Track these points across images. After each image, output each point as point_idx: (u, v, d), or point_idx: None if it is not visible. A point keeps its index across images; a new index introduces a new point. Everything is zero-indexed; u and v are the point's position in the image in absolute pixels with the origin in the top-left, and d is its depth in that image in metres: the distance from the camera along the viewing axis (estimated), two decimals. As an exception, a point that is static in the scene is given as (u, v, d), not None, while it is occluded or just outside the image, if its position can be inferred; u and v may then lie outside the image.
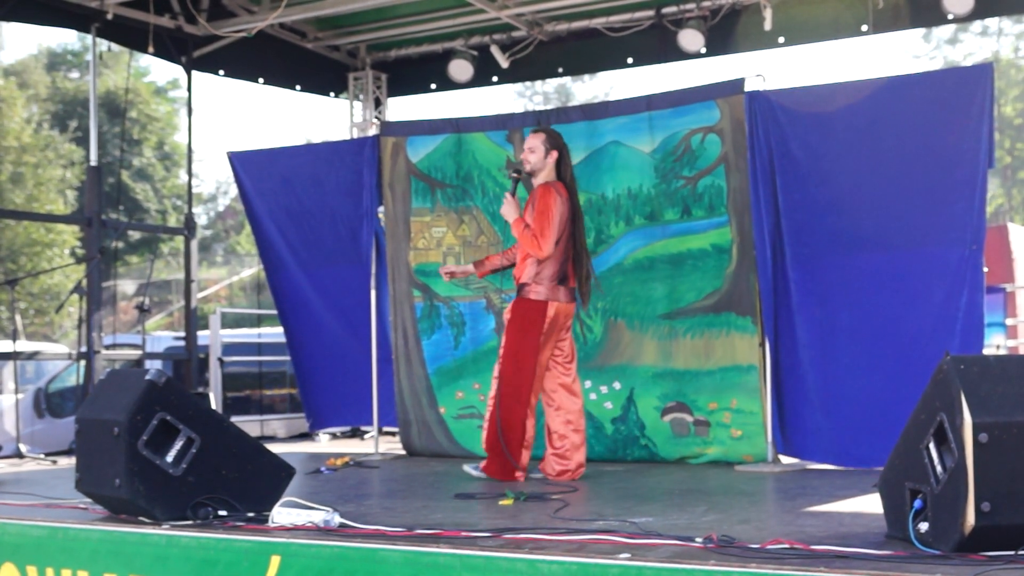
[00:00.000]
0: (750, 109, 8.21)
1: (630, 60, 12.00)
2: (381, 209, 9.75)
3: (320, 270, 10.07)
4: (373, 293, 9.67)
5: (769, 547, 4.52)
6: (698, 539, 4.73)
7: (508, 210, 7.61)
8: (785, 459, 8.25)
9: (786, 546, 4.52)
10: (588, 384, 8.90)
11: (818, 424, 8.03)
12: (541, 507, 6.14)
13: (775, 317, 8.12)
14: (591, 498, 6.63)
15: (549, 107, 22.16)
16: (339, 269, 9.94)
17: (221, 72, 12.21)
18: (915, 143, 7.71)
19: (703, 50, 11.19)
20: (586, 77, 43.78)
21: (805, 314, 8.07)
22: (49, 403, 14.58)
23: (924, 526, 4.45)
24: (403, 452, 9.67)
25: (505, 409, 7.50)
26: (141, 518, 5.67)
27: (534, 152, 7.64)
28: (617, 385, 8.86)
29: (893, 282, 7.74)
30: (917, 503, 4.49)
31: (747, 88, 8.31)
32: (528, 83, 42.04)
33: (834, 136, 7.96)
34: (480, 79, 12.39)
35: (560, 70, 12.79)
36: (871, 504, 5.55)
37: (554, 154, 7.64)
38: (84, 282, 10.07)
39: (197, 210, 43.10)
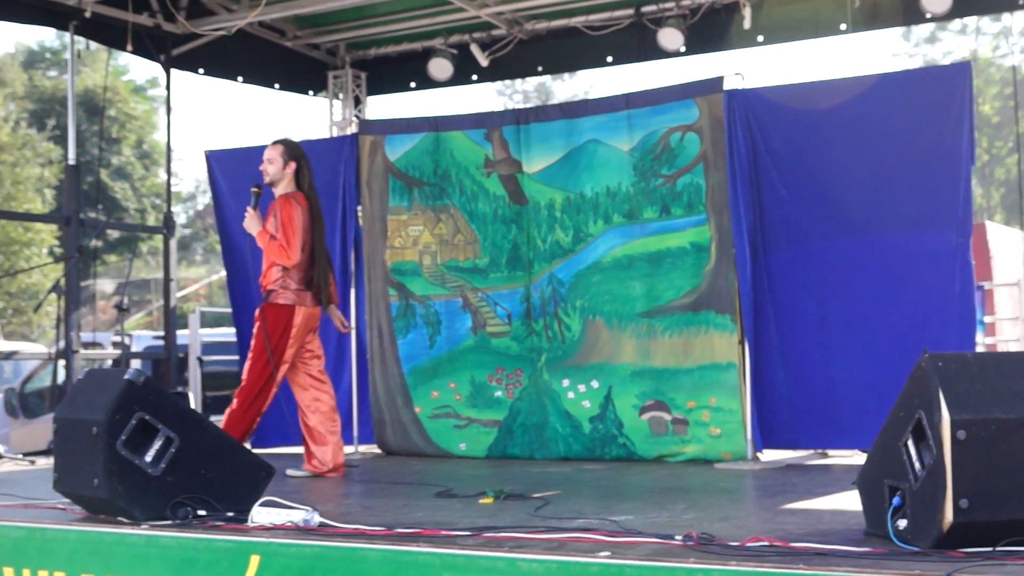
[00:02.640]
0: (729, 107, 8.23)
1: (609, 59, 12.00)
2: (359, 208, 9.73)
3: None
4: (353, 292, 9.65)
5: (749, 545, 4.53)
6: (678, 537, 4.74)
7: (250, 223, 7.83)
8: (765, 457, 8.27)
9: (766, 544, 4.54)
10: (566, 383, 8.90)
11: (808, 410, 8.07)
12: (521, 505, 6.13)
13: (755, 315, 8.14)
14: (571, 497, 6.62)
15: (528, 105, 22.19)
16: None
17: (200, 70, 12.16)
18: (898, 140, 7.81)
19: (682, 49, 11.19)
20: (566, 76, 43.84)
21: (793, 307, 8.10)
22: (24, 403, 14.50)
23: (903, 523, 4.46)
24: (384, 452, 9.66)
25: (241, 405, 7.73)
26: (120, 518, 5.65)
27: (272, 163, 7.90)
28: (595, 384, 8.86)
29: (884, 269, 7.84)
30: (896, 500, 4.51)
31: (726, 87, 8.34)
32: (508, 82, 42.10)
33: (818, 132, 8.03)
34: (460, 78, 12.37)
35: (540, 68, 12.75)
36: (850, 501, 5.55)
37: (292, 165, 7.89)
38: (62, 281, 10.02)
39: (176, 209, 43.03)
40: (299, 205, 7.75)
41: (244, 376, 7.88)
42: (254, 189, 7.92)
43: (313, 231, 7.86)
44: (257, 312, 7.84)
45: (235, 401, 7.80)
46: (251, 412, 7.76)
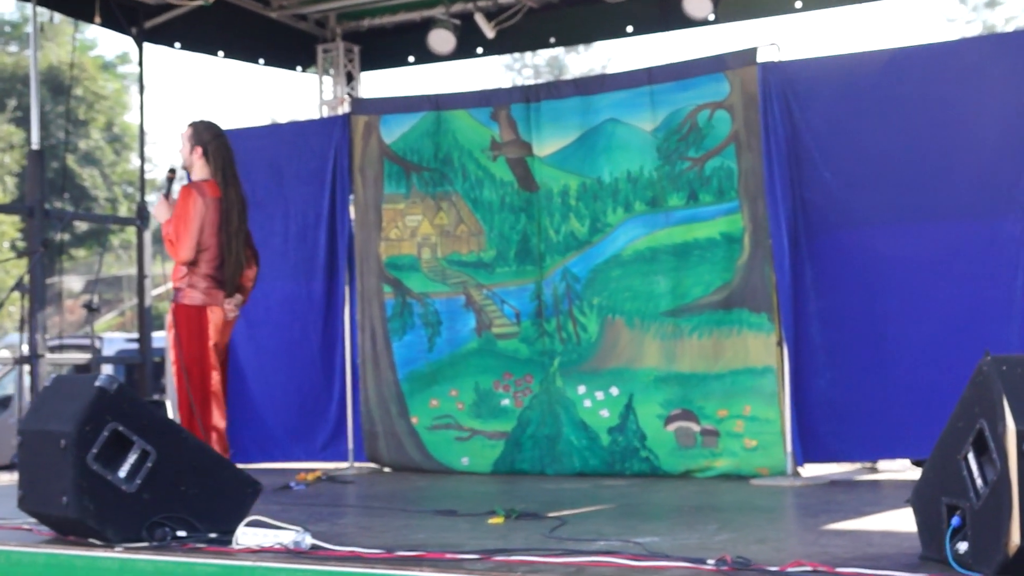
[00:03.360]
0: (764, 82, 8.21)
1: (630, 28, 11.97)
2: (351, 196, 9.71)
3: (264, 287, 9.93)
4: (347, 290, 9.64)
5: (789, 570, 4.51)
6: (710, 561, 4.71)
7: (159, 211, 7.74)
8: (806, 472, 8.24)
9: (808, 569, 4.52)
10: (582, 390, 8.89)
11: (856, 418, 8.04)
12: (535, 525, 6.12)
13: (795, 313, 8.10)
14: (589, 516, 6.61)
15: (539, 81, 22.08)
16: (283, 285, 9.88)
17: (177, 44, 12.17)
18: (954, 117, 7.78)
19: (711, 17, 11.15)
20: (581, 48, 43.75)
21: (840, 303, 8.08)
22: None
23: (963, 546, 4.43)
24: (379, 467, 9.64)
25: (207, 417, 7.56)
26: (91, 540, 5.63)
27: (182, 149, 7.86)
28: (614, 391, 8.84)
29: (940, 259, 7.82)
30: (955, 520, 4.48)
31: (760, 59, 8.32)
32: (516, 55, 42.02)
33: (863, 109, 8.01)
34: (463, 51, 12.34)
35: (552, 40, 12.73)
36: (903, 521, 5.53)
37: (197, 150, 7.80)
38: (26, 278, 10.02)
39: (151, 198, 43.05)
40: (201, 196, 7.64)
41: (183, 390, 7.72)
42: (168, 174, 7.87)
43: (224, 224, 7.74)
44: (169, 317, 7.73)
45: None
46: (205, 433, 7.57)
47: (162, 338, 12.66)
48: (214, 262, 7.65)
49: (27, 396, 12.95)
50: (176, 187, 7.82)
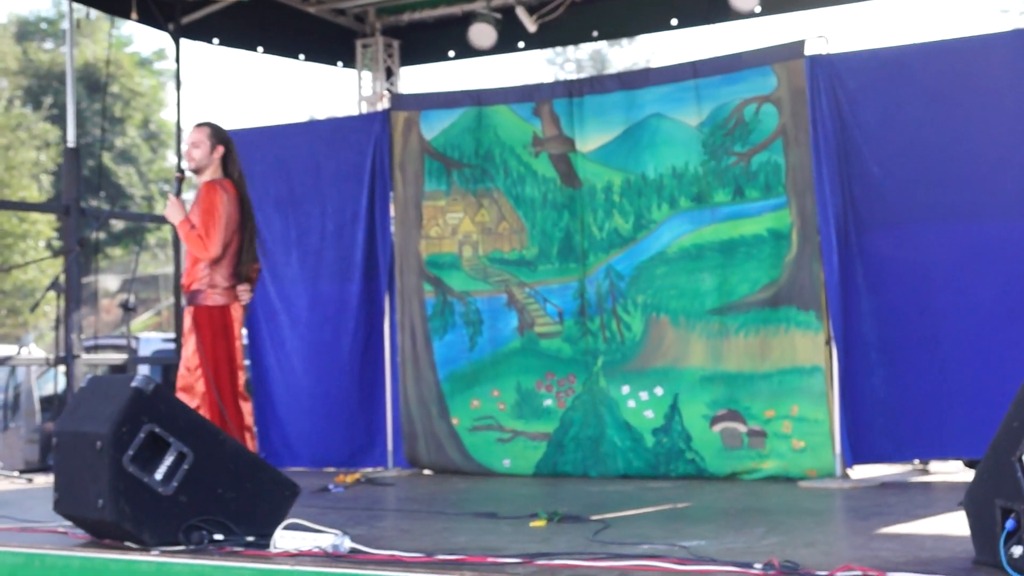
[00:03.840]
0: (812, 75, 8.19)
1: (674, 21, 11.94)
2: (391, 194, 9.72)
3: (296, 288, 9.96)
4: (385, 289, 9.65)
5: (838, 574, 4.48)
6: (757, 565, 4.69)
7: (173, 212, 7.75)
8: (856, 473, 8.20)
9: (858, 573, 4.49)
10: (626, 390, 8.87)
11: (908, 417, 8.00)
12: (578, 529, 6.11)
13: (844, 310, 8.06)
14: (634, 519, 6.60)
15: (582, 76, 22.03)
16: (317, 285, 9.92)
17: (215, 40, 12.20)
18: (1011, 111, 7.70)
19: (757, 9, 11.12)
20: (624, 42, 43.66)
21: (893, 300, 8.03)
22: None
23: (1018, 550, 4.39)
24: (419, 469, 9.64)
25: (239, 418, 7.60)
26: (127, 543, 5.65)
27: (198, 147, 7.83)
28: (659, 391, 8.82)
29: (997, 258, 7.76)
30: (1009, 523, 4.44)
31: (808, 51, 8.29)
32: (559, 49, 41.94)
33: (914, 103, 7.97)
34: (504, 45, 12.34)
35: (595, 34, 12.71)
36: (956, 524, 5.51)
37: (220, 149, 7.82)
38: (62, 278, 10.07)
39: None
40: (226, 192, 7.70)
41: (209, 394, 7.69)
42: (178, 175, 7.93)
43: (246, 221, 7.80)
44: (189, 322, 7.65)
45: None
46: (239, 434, 7.62)
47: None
48: (234, 259, 7.70)
49: (37, 398, 13.08)
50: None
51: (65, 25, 11.63)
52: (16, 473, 9.89)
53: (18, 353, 12.27)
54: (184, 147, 7.92)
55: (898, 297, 8.08)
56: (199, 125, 7.93)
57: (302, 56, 13.02)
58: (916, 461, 8.61)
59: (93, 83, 32.29)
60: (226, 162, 7.83)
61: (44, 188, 31.74)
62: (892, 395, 8.09)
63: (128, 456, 5.60)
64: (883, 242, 8.09)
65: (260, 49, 12.62)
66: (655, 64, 35.40)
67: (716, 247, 8.66)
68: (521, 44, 12.48)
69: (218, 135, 7.84)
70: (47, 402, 14.26)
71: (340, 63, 13.35)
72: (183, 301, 7.80)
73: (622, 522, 6.40)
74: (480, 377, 9.45)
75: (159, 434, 5.69)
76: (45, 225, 28.71)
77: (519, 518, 6.56)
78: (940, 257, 7.94)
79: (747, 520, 6.40)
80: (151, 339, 16.33)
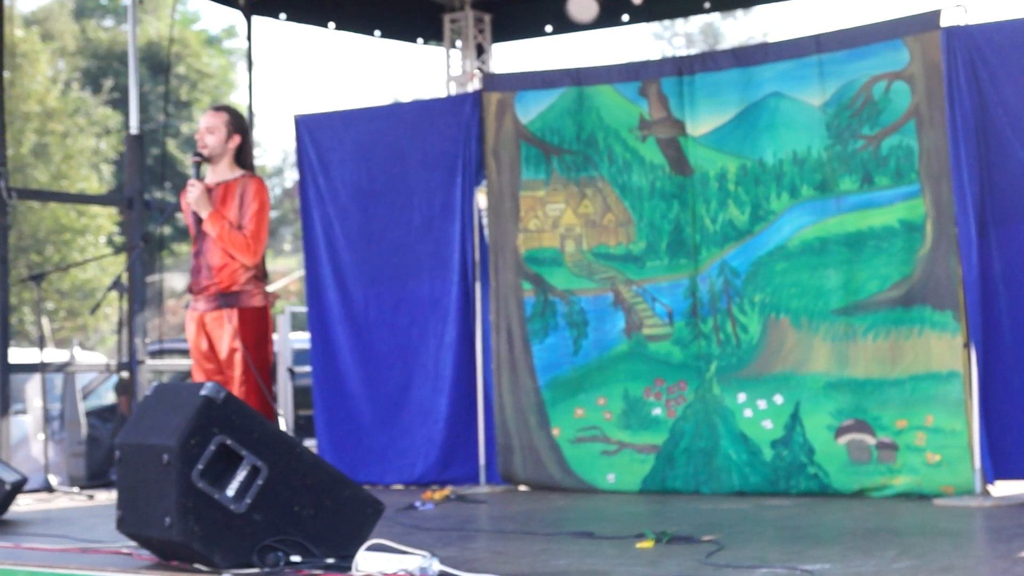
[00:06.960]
0: (948, 49, 8.14)
1: (794, -10, 11.91)
2: (484, 183, 9.77)
3: (379, 287, 10.03)
4: (478, 286, 9.70)
5: (978, 601, 4.48)
6: (887, 591, 4.70)
7: (200, 200, 7.82)
8: (997, 490, 8.15)
9: (1000, 600, 4.48)
10: (742, 398, 8.87)
11: None
12: (689, 550, 6.14)
13: (983, 310, 8.02)
14: (751, 539, 6.61)
15: (693, 51, 21.92)
16: (404, 284, 10.00)
17: (282, 16, 12.25)
18: None
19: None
20: (739, 13, 43.52)
21: None
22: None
23: None
24: (514, 485, 9.69)
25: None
26: (197, 565, 5.74)
27: (213, 133, 7.94)
28: (779, 399, 8.82)
29: None
30: None
31: (944, 23, 8.24)
32: (667, 22, 41.85)
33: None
34: (607, 19, 12.37)
35: (707, 5, 12.71)
36: (1108, 547, 5.47)
37: (236, 139, 7.95)
38: (124, 277, 10.22)
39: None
40: (267, 191, 7.93)
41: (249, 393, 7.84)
42: (195, 158, 8.01)
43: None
44: (234, 326, 7.73)
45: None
46: None
47: (274, 342, 12.79)
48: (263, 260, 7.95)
49: (82, 408, 13.20)
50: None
51: (126, 1, 11.77)
52: (76, 489, 10.04)
53: (72, 359, 12.40)
54: (198, 128, 8.04)
55: None
56: (216, 109, 8.07)
57: (378, 32, 13.03)
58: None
59: (157, 64, 32.57)
60: (241, 153, 7.97)
61: (105, 179, 32.04)
62: None
63: (197, 471, 5.68)
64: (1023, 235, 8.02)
65: (331, 25, 12.66)
66: (773, 38, 35.30)
67: (842, 240, 8.64)
68: (625, 17, 12.50)
69: (236, 123, 7.99)
70: (103, 413, 14.46)
71: (421, 40, 13.36)
72: (193, 301, 7.90)
73: (737, 543, 6.40)
74: (585, 384, 9.47)
75: (231, 447, 5.76)
76: (106, 219, 28.98)
77: (624, 539, 6.57)
78: None
79: (876, 542, 6.39)
80: (221, 343, 16.46)
